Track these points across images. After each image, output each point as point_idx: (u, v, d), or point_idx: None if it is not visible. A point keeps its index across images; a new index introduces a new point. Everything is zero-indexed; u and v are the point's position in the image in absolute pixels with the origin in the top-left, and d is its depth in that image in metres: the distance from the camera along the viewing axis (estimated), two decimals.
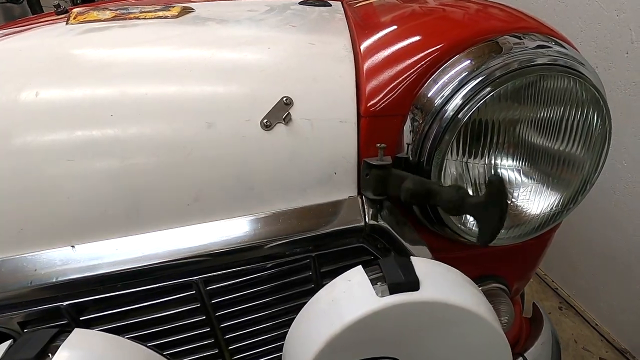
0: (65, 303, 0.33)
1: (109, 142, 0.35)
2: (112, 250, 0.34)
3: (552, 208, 0.39)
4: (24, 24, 0.89)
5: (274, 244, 0.36)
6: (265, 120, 0.37)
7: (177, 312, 0.37)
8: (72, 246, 0.33)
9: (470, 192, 0.39)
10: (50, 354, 0.27)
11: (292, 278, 0.38)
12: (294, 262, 0.38)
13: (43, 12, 2.16)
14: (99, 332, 0.31)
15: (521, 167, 0.39)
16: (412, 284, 0.29)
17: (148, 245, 0.34)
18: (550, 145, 0.38)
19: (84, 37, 0.46)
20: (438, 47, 0.40)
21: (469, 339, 0.31)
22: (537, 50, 0.38)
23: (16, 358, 0.26)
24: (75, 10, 0.60)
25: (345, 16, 0.65)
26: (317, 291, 0.38)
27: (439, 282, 0.30)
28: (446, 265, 0.33)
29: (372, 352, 0.30)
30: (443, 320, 0.30)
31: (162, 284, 0.35)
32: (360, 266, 0.32)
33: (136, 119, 0.36)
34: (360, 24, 0.56)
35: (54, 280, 0.32)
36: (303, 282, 0.39)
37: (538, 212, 0.39)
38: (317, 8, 0.77)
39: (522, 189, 0.39)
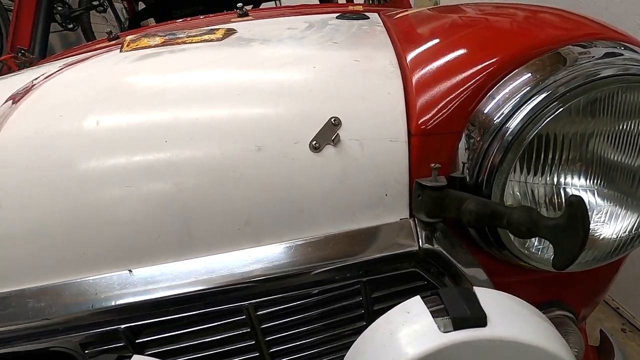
0: (122, 326, 0.34)
1: (163, 167, 0.36)
2: (166, 275, 0.34)
3: (630, 231, 0.35)
4: (82, 51, 0.95)
5: (324, 269, 0.35)
6: (314, 142, 0.36)
7: (227, 336, 0.36)
8: (130, 270, 0.34)
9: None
10: None
11: (343, 303, 0.37)
12: (344, 287, 0.36)
13: (95, 38, 2.32)
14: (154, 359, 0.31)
15: (595, 187, 0.36)
16: (480, 319, 0.27)
17: (200, 270, 0.34)
18: (628, 161, 0.35)
19: (137, 65, 0.48)
20: (494, 60, 0.38)
21: None
22: (605, 59, 0.34)
23: None
24: (128, 38, 0.63)
25: (386, 28, 0.64)
26: (368, 317, 0.36)
27: (509, 317, 0.28)
28: (514, 297, 0.31)
29: None
30: (514, 359, 0.27)
31: (213, 308, 0.35)
32: (419, 296, 0.30)
33: (188, 145, 0.36)
34: (403, 37, 0.54)
35: (112, 304, 0.33)
36: (354, 308, 0.38)
37: (614, 235, 0.36)
38: (355, 22, 0.76)
39: (595, 211, 0.36)
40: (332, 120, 0.37)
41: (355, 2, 1.65)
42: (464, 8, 0.61)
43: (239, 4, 0.98)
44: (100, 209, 0.34)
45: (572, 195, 0.30)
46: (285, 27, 0.71)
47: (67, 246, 0.34)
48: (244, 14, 0.96)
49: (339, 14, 0.84)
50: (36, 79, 0.44)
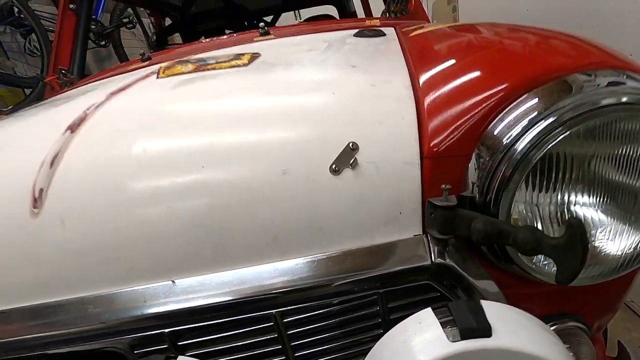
0: (166, 330, 0.39)
1: (200, 189, 0.40)
2: (203, 285, 0.39)
3: (635, 248, 0.37)
4: (118, 71, 1.03)
5: (344, 281, 0.39)
6: (334, 166, 0.40)
7: (258, 340, 0.40)
8: (173, 281, 0.39)
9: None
10: None
11: (361, 313, 0.41)
12: (362, 297, 0.40)
13: (125, 53, 2.43)
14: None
15: (598, 205, 0.38)
16: (485, 330, 0.29)
17: (233, 281, 0.38)
18: (630, 182, 0.37)
19: (174, 93, 0.54)
20: (504, 86, 0.40)
21: None
22: (609, 88, 0.36)
23: None
24: (163, 65, 0.69)
25: (401, 48, 0.67)
26: (384, 325, 0.40)
27: (513, 328, 0.30)
28: (520, 310, 0.33)
29: None
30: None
31: (245, 315, 0.39)
32: (430, 308, 0.33)
33: (222, 168, 0.41)
34: (418, 58, 0.57)
35: (158, 311, 0.38)
36: (372, 317, 0.41)
37: (618, 252, 0.37)
38: (372, 40, 0.80)
39: (600, 228, 0.38)
40: (350, 145, 0.41)
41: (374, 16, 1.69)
42: (479, 28, 0.64)
43: (261, 24, 1.03)
44: (146, 227, 0.39)
45: (571, 217, 0.32)
46: (305, 48, 0.75)
47: (119, 260, 0.39)
48: (265, 33, 1.01)
49: (356, 31, 0.88)
50: (88, 108, 0.50)
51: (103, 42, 2.36)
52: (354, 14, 2.33)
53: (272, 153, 0.41)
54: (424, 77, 0.49)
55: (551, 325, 0.46)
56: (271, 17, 2.33)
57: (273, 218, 0.39)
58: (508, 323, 0.31)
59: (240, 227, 0.39)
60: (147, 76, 0.67)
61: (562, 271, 0.31)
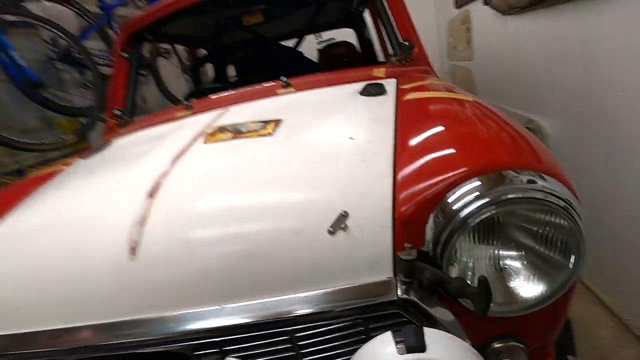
0: (217, 339, 0.57)
1: (241, 237, 0.59)
2: (242, 309, 0.57)
3: (542, 294, 0.52)
4: (166, 118, 1.24)
5: (338, 309, 0.56)
6: (330, 228, 0.57)
7: (280, 348, 0.58)
8: (221, 307, 0.58)
9: (474, 278, 0.54)
10: None
11: (350, 331, 0.58)
12: (351, 321, 0.57)
13: (163, 81, 2.69)
14: None
15: (516, 260, 0.53)
16: (421, 348, 0.46)
17: (264, 306, 0.57)
18: (538, 247, 0.52)
19: (220, 160, 0.74)
20: (459, 171, 0.56)
21: None
22: (528, 184, 0.52)
23: None
24: (207, 132, 0.89)
25: (394, 115, 0.83)
26: (366, 340, 0.57)
27: (443, 346, 0.47)
28: (451, 335, 0.49)
29: None
30: None
31: (270, 331, 0.57)
32: (390, 332, 0.50)
33: (257, 221, 0.60)
34: (403, 132, 0.74)
35: (211, 326, 0.57)
36: (357, 334, 0.58)
37: (530, 296, 0.53)
38: (374, 100, 0.97)
39: (514, 277, 0.53)
40: (343, 212, 0.58)
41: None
42: (455, 106, 0.80)
43: (283, 78, 1.22)
44: (204, 268, 0.58)
45: (481, 275, 0.48)
46: (318, 111, 0.93)
47: (188, 290, 0.58)
48: (287, 85, 1.21)
49: (362, 89, 1.05)
50: (159, 177, 0.70)
51: (144, 72, 2.64)
52: (368, 42, 2.49)
53: (286, 215, 0.60)
54: (402, 157, 0.65)
55: (496, 344, 0.61)
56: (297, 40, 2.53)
57: (290, 264, 0.57)
58: (439, 343, 0.47)
59: (268, 269, 0.58)
60: (195, 139, 0.86)
61: (477, 310, 0.47)
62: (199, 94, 1.99)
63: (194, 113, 1.20)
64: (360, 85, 1.08)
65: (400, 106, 0.87)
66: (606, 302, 1.50)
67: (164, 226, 0.61)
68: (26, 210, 0.79)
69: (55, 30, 2.15)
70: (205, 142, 0.83)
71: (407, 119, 0.79)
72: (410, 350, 0.46)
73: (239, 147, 0.78)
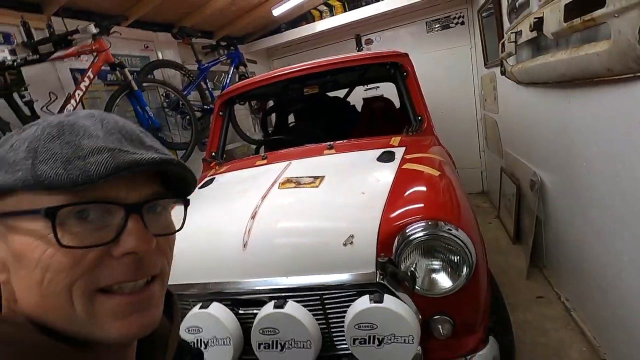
0: (283, 294, 1.13)
1: (298, 243, 1.15)
2: (296, 280, 1.12)
3: (450, 285, 1.02)
4: (247, 164, 1.87)
5: (346, 285, 1.09)
6: (344, 243, 1.11)
7: (313, 302, 1.12)
8: (286, 277, 1.13)
9: (415, 272, 1.04)
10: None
11: (351, 297, 1.10)
12: (351, 291, 1.10)
13: (238, 123, 3.41)
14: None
15: (436, 265, 1.03)
16: (380, 301, 0.98)
17: (306, 280, 1.11)
18: (447, 260, 1.02)
19: (289, 199, 1.31)
20: (415, 217, 1.09)
21: (394, 321, 0.97)
22: (447, 230, 1.03)
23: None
24: (279, 181, 1.48)
25: (393, 178, 1.37)
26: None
27: (392, 302, 0.98)
28: (400, 301, 1.00)
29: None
30: (388, 313, 0.97)
31: (310, 292, 1.11)
32: (367, 295, 1.02)
33: (306, 235, 1.16)
34: (394, 190, 1.27)
35: (279, 287, 1.12)
36: (353, 297, 1.10)
37: (443, 285, 1.02)
38: (385, 165, 1.51)
39: (436, 274, 1.03)
40: (351, 235, 1.12)
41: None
42: (422, 176, 1.32)
43: (330, 143, 1.80)
44: (280, 257, 1.15)
45: (412, 270, 0.99)
46: (350, 169, 1.49)
47: (269, 268, 1.15)
48: (331, 147, 1.79)
49: (379, 155, 1.60)
50: (255, 207, 1.29)
51: None
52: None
53: (322, 234, 1.15)
54: (388, 207, 1.18)
55: (434, 317, 1.10)
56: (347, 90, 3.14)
57: (322, 259, 1.12)
58: (391, 301, 0.99)
59: (310, 261, 1.13)
60: (273, 185, 1.46)
61: (410, 286, 0.99)
62: (268, 142, 2.67)
63: (268, 162, 1.82)
64: (379, 152, 1.63)
65: (399, 172, 1.41)
66: (584, 331, 1.82)
67: (259, 233, 1.19)
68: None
69: (168, 88, 2.97)
70: (279, 188, 1.43)
71: (399, 182, 1.32)
72: (375, 302, 0.99)
73: (299, 193, 1.36)
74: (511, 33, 2.13)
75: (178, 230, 0.45)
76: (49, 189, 0.35)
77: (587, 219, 1.69)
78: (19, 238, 0.36)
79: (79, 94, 2.21)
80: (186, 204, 0.46)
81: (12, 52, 2.20)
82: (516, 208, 2.78)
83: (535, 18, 1.57)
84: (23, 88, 2.02)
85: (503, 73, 2.66)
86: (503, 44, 2.45)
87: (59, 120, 0.39)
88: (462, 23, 3.98)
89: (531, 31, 1.64)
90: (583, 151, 1.67)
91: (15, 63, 2.02)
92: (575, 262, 1.92)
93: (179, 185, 0.44)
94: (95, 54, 2.33)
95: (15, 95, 1.99)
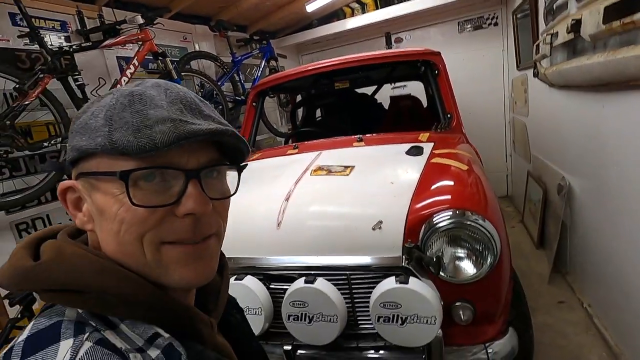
0: (313, 271, 1.20)
1: (329, 226, 1.22)
2: (327, 259, 1.19)
3: (473, 273, 1.06)
4: (279, 152, 1.96)
5: (373, 267, 1.15)
6: (373, 227, 1.17)
7: (341, 281, 1.19)
8: (316, 256, 1.21)
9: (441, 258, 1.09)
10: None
11: (377, 278, 1.16)
12: (379, 272, 1.16)
13: (266, 115, 3.51)
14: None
15: (461, 253, 1.08)
16: (406, 282, 1.04)
17: (335, 260, 1.18)
18: (472, 248, 1.06)
19: (320, 185, 1.39)
20: (442, 207, 1.14)
21: (418, 301, 1.03)
22: (473, 220, 1.07)
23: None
24: (311, 168, 1.55)
25: (421, 171, 1.41)
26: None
27: (416, 284, 1.04)
28: (424, 283, 1.06)
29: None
30: (412, 294, 1.03)
31: (338, 272, 1.18)
32: (393, 276, 1.08)
33: (337, 219, 1.23)
34: (422, 182, 1.32)
35: (311, 265, 1.20)
36: (379, 279, 1.16)
37: (467, 272, 1.07)
38: (413, 158, 1.56)
39: (460, 261, 1.08)
40: (380, 221, 1.18)
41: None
42: (452, 168, 1.36)
43: (359, 136, 1.86)
44: (311, 238, 1.22)
45: (439, 255, 1.04)
46: (379, 160, 1.55)
47: (299, 247, 1.23)
48: (360, 140, 1.85)
49: (408, 149, 1.65)
50: (289, 192, 1.37)
51: None
52: (432, 97, 3.05)
53: (352, 218, 1.22)
54: (416, 196, 1.24)
55: (456, 303, 1.14)
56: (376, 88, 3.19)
57: (351, 241, 1.19)
58: (416, 284, 1.04)
59: (340, 242, 1.20)
60: (305, 171, 1.53)
61: (434, 270, 1.04)
62: (297, 134, 2.75)
63: (300, 152, 1.90)
64: (407, 146, 1.68)
65: (427, 166, 1.45)
66: (605, 336, 1.81)
67: (293, 214, 1.27)
68: None
69: (204, 78, 3.10)
70: (311, 175, 1.50)
71: (427, 175, 1.37)
72: (400, 282, 1.05)
73: (330, 180, 1.43)
74: (547, 35, 2.13)
75: (232, 194, 0.50)
76: (122, 154, 0.39)
77: (617, 225, 1.68)
78: (100, 195, 0.42)
79: (124, 80, 2.36)
80: (240, 170, 0.51)
81: (67, 39, 2.37)
82: (541, 213, 2.75)
83: (573, 20, 1.58)
84: (76, 72, 2.17)
85: (536, 75, 2.64)
86: (537, 46, 2.43)
87: (130, 90, 0.43)
88: (495, 24, 3.93)
89: (568, 33, 1.65)
90: (615, 157, 1.66)
91: (70, 49, 2.18)
92: (600, 268, 1.91)
93: (233, 154, 0.48)
94: (140, 43, 2.47)
95: (70, 79, 2.15)
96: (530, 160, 3.25)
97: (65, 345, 0.35)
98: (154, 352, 0.39)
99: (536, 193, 2.92)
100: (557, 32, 1.94)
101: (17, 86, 1.89)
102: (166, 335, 0.41)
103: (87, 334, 0.37)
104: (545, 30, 2.30)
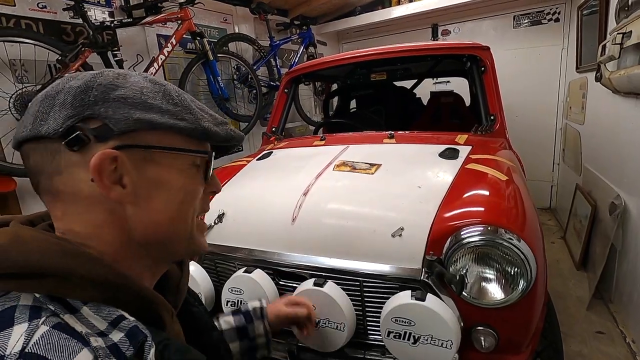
0: (324, 273, 1.13)
1: (345, 226, 1.14)
2: (339, 263, 1.12)
3: (501, 298, 0.94)
4: (305, 142, 1.88)
5: (389, 276, 1.06)
6: (393, 234, 1.08)
7: (352, 287, 1.11)
8: (329, 258, 1.13)
9: (465, 277, 0.98)
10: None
11: (392, 289, 1.07)
12: (393, 283, 1.07)
13: (300, 101, 3.44)
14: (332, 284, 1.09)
15: (489, 274, 0.96)
16: (422, 300, 0.94)
17: (349, 264, 1.11)
18: (502, 270, 0.94)
19: (342, 182, 1.30)
20: (473, 220, 1.02)
21: (434, 322, 0.93)
22: (507, 239, 0.95)
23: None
24: (335, 163, 1.47)
25: (454, 176, 1.29)
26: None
27: (434, 302, 0.94)
28: (442, 302, 0.96)
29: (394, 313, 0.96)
30: (429, 313, 0.93)
31: (351, 277, 1.10)
32: (409, 291, 0.98)
33: (354, 219, 1.14)
34: (453, 188, 1.20)
35: (322, 267, 1.13)
36: (394, 290, 1.07)
37: (494, 296, 0.95)
38: (446, 162, 1.43)
39: (487, 283, 0.96)
40: (401, 227, 1.08)
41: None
42: (487, 180, 1.22)
43: (390, 132, 1.75)
44: (323, 237, 1.15)
45: (462, 275, 0.93)
46: (408, 161, 1.44)
47: (310, 245, 1.16)
48: (391, 137, 1.74)
49: (442, 150, 1.51)
50: (308, 185, 1.30)
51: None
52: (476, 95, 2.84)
53: (372, 221, 1.13)
54: (445, 205, 1.12)
55: (476, 327, 1.03)
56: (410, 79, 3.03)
57: (368, 246, 1.10)
58: (433, 302, 0.94)
59: (356, 245, 1.11)
60: (328, 166, 1.46)
61: (456, 290, 0.93)
62: (328, 124, 2.67)
63: (326, 144, 1.82)
64: (442, 147, 1.55)
65: (461, 171, 1.32)
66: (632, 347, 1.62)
67: (309, 211, 1.20)
68: (237, 185, 1.50)
69: (240, 61, 3.08)
70: (333, 170, 1.42)
71: (460, 181, 1.25)
72: (416, 298, 0.95)
73: (353, 177, 1.34)
74: (617, 34, 1.87)
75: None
76: (207, 139, 0.50)
77: None
78: (157, 168, 0.46)
79: (161, 59, 2.37)
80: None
81: (111, 14, 2.41)
82: (588, 231, 2.50)
83: None
84: (116, 48, 2.21)
85: (598, 79, 2.36)
86: (604, 46, 2.16)
87: (165, 83, 0.48)
88: (557, 20, 3.58)
89: None
90: None
91: (112, 24, 2.21)
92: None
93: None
94: (179, 22, 2.47)
95: (109, 54, 2.19)
96: (580, 173, 2.96)
97: (19, 330, 0.34)
98: (116, 336, 0.38)
99: (584, 209, 2.65)
100: (631, 32, 1.69)
101: (60, 58, 1.95)
102: (131, 318, 0.41)
103: (44, 317, 0.36)
104: (616, 28, 2.03)
